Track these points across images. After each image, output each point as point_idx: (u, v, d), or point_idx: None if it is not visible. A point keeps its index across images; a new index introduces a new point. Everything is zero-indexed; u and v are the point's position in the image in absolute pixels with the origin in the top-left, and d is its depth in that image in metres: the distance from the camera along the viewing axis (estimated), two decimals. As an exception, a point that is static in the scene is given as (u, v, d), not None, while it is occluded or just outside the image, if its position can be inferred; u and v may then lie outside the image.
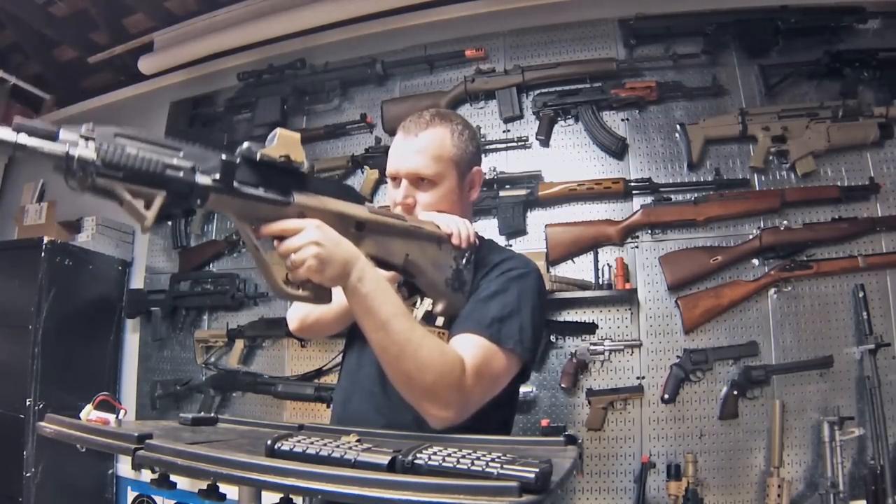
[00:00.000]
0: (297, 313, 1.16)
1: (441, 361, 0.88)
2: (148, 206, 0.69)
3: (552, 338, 2.23)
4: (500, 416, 1.10)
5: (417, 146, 1.08)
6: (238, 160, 0.75)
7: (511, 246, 2.36)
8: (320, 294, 0.84)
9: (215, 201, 0.73)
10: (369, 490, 0.55)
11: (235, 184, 0.75)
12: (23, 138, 0.62)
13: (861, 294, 2.01)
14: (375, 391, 1.07)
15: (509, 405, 1.16)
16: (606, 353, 2.18)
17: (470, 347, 0.93)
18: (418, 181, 1.08)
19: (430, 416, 0.90)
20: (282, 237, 0.80)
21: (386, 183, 2.56)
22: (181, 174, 0.70)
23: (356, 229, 0.88)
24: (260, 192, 0.77)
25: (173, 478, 0.72)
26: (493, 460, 0.57)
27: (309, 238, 0.79)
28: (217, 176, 0.72)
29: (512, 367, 0.98)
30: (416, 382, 0.87)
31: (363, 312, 0.85)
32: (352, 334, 1.18)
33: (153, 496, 2.72)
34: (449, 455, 0.60)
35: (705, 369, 2.10)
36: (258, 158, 0.76)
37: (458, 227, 1.03)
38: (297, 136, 0.80)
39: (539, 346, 1.12)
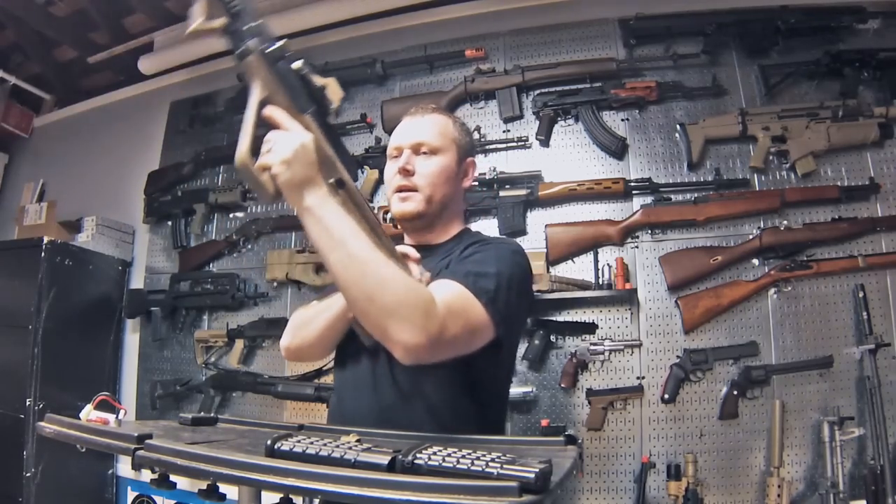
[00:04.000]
0: (284, 341, 1.19)
1: (406, 281, 0.84)
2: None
3: (552, 338, 2.23)
4: (490, 415, 1.11)
5: (422, 123, 1.17)
6: (287, 54, 0.82)
7: (511, 246, 2.36)
8: (264, 190, 0.83)
9: (255, 63, 0.80)
10: (369, 490, 0.55)
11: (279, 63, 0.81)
12: None
13: (861, 294, 2.01)
14: (366, 389, 1.07)
15: (498, 405, 1.16)
16: (606, 353, 2.18)
17: (443, 288, 0.90)
18: (420, 150, 1.14)
19: (396, 343, 0.82)
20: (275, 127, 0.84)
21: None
22: (250, 19, 0.79)
23: (336, 185, 0.88)
24: (289, 83, 0.83)
25: (173, 478, 0.72)
26: (493, 460, 0.57)
27: (293, 138, 0.82)
28: (267, 47, 0.80)
29: (486, 326, 0.93)
30: (378, 300, 0.81)
31: (319, 232, 0.82)
32: (339, 350, 1.18)
33: (153, 496, 2.72)
34: (449, 455, 0.60)
35: (705, 369, 2.10)
36: (301, 67, 0.83)
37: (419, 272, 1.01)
38: (341, 93, 0.88)
39: (515, 323, 1.07)
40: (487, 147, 2.47)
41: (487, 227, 2.39)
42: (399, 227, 1.22)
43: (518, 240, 2.34)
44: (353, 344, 1.09)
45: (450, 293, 0.89)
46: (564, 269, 2.30)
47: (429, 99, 2.55)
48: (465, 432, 0.93)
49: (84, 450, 0.81)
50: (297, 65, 0.83)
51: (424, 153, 1.14)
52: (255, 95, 0.83)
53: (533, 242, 2.34)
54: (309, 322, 1.13)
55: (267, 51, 0.80)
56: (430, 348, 0.83)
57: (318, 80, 0.85)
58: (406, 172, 1.12)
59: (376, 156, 2.58)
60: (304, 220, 0.83)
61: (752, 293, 2.11)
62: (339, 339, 1.13)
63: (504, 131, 2.49)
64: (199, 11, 0.77)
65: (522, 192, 2.35)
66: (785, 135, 2.15)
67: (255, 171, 0.81)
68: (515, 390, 2.20)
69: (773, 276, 2.09)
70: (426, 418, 1.02)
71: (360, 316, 0.86)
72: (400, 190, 1.13)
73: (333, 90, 0.86)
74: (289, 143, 0.82)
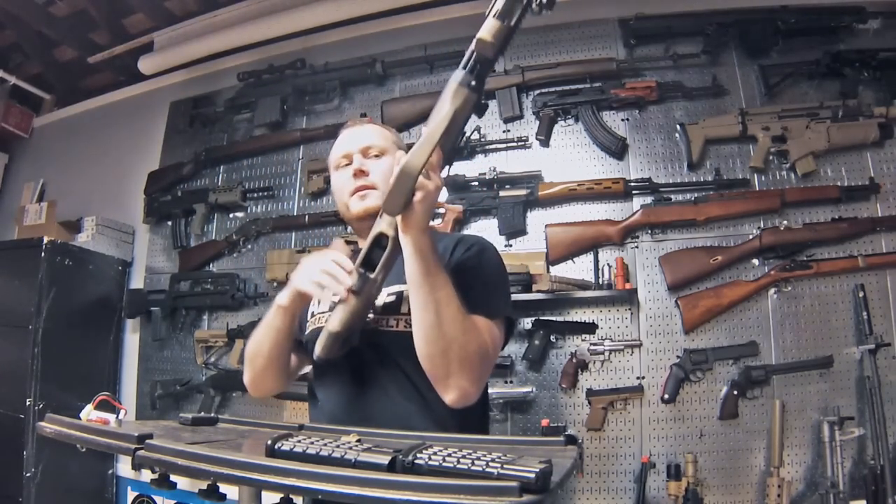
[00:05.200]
0: (245, 379, 1.25)
1: (479, 334, 0.95)
2: None
3: (552, 338, 2.23)
4: (478, 413, 1.14)
5: (363, 130, 1.21)
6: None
7: (511, 246, 2.36)
8: (402, 201, 0.88)
9: (470, 99, 0.89)
10: (369, 490, 0.55)
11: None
12: None
13: (861, 294, 2.01)
14: (357, 396, 1.07)
15: (485, 397, 1.20)
16: (606, 353, 2.18)
17: (481, 327, 0.98)
18: (368, 153, 1.17)
19: (456, 389, 0.93)
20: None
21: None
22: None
23: None
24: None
25: (173, 478, 0.72)
26: (493, 460, 0.57)
27: (437, 182, 0.91)
28: (472, 83, 0.88)
29: (503, 334, 1.06)
30: (460, 348, 0.92)
31: (426, 269, 0.91)
32: (317, 376, 1.18)
33: (153, 496, 2.72)
34: (449, 455, 0.60)
35: (705, 369, 2.10)
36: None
37: None
38: None
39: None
40: (487, 147, 2.47)
41: (487, 227, 2.39)
42: (355, 229, 1.22)
43: (518, 240, 2.36)
44: (333, 374, 1.10)
45: (488, 335, 0.98)
46: (564, 269, 2.30)
47: (429, 99, 2.55)
48: (461, 428, 0.96)
49: (84, 450, 0.81)
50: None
51: (375, 156, 1.17)
52: (447, 118, 0.86)
53: (533, 242, 2.34)
54: (257, 351, 1.15)
55: (474, 87, 0.87)
56: (477, 394, 0.96)
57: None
58: (362, 173, 1.14)
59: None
60: (419, 250, 0.91)
61: (752, 293, 2.11)
62: (288, 355, 1.15)
63: (504, 131, 2.49)
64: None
65: (522, 192, 2.35)
66: (785, 135, 2.15)
67: (414, 184, 0.86)
68: (515, 390, 2.21)
69: (773, 276, 2.09)
70: (426, 419, 1.02)
71: (431, 355, 0.93)
72: (358, 190, 1.14)
73: None
74: (437, 183, 0.90)
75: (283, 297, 1.07)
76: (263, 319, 1.14)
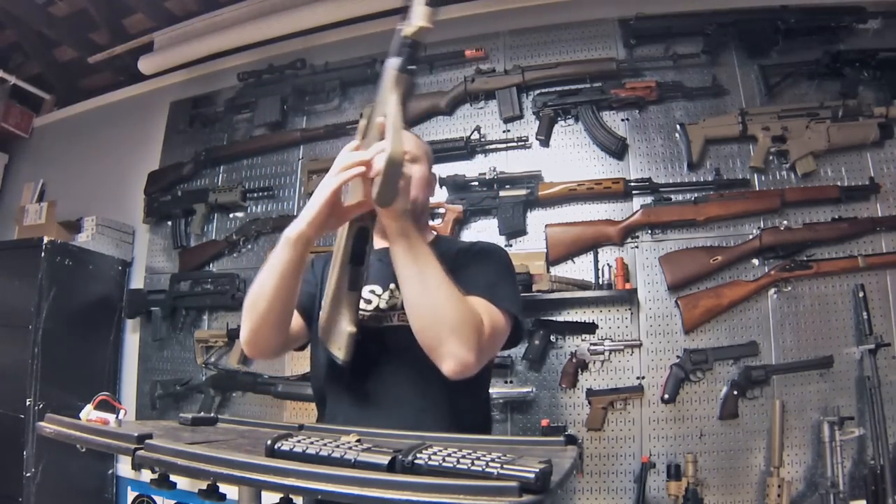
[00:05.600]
0: (241, 336, 1.09)
1: (466, 303, 0.96)
2: None
3: (552, 338, 2.23)
4: (481, 412, 1.16)
5: None
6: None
7: (511, 246, 2.36)
8: (393, 191, 0.90)
9: (406, 82, 0.91)
10: (369, 490, 0.55)
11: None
12: None
13: (861, 294, 2.01)
14: (373, 403, 1.07)
15: (486, 401, 1.23)
16: (606, 353, 2.18)
17: (477, 305, 0.99)
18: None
19: (451, 358, 0.92)
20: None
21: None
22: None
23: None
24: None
25: (173, 478, 0.72)
26: (493, 460, 0.57)
27: (420, 172, 1.02)
28: (411, 66, 0.90)
29: (507, 327, 1.06)
30: (446, 317, 0.92)
31: (409, 245, 0.94)
32: (328, 366, 1.15)
33: (153, 496, 2.72)
34: (449, 455, 0.60)
35: (705, 369, 2.10)
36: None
37: None
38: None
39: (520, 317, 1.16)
40: (487, 147, 2.47)
41: (487, 227, 2.39)
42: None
43: (518, 240, 2.36)
44: (338, 385, 1.10)
45: (486, 313, 0.99)
46: (564, 269, 2.30)
47: (429, 99, 2.55)
48: (466, 429, 0.97)
49: (84, 450, 0.81)
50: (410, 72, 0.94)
51: (407, 160, 1.14)
52: (398, 105, 0.91)
53: (533, 242, 2.34)
54: (259, 293, 1.02)
55: (410, 70, 0.90)
56: (475, 364, 0.95)
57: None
58: None
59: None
60: (403, 232, 0.94)
61: (752, 293, 2.11)
62: (293, 304, 1.06)
63: (504, 131, 2.49)
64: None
65: (522, 192, 2.35)
66: (785, 135, 2.15)
67: (401, 172, 0.88)
68: (515, 390, 2.21)
69: (773, 276, 2.09)
70: (436, 408, 1.05)
71: (423, 327, 0.94)
72: None
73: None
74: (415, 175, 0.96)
75: (294, 228, 0.97)
76: (267, 261, 1.02)
